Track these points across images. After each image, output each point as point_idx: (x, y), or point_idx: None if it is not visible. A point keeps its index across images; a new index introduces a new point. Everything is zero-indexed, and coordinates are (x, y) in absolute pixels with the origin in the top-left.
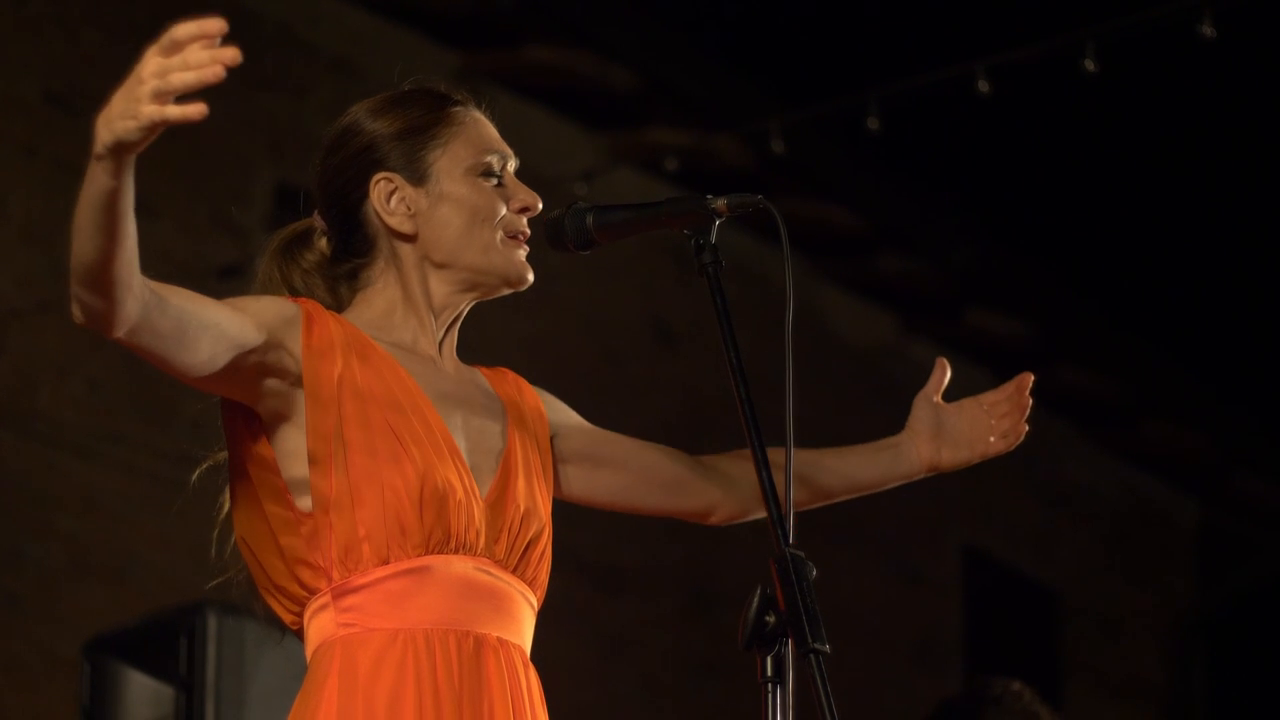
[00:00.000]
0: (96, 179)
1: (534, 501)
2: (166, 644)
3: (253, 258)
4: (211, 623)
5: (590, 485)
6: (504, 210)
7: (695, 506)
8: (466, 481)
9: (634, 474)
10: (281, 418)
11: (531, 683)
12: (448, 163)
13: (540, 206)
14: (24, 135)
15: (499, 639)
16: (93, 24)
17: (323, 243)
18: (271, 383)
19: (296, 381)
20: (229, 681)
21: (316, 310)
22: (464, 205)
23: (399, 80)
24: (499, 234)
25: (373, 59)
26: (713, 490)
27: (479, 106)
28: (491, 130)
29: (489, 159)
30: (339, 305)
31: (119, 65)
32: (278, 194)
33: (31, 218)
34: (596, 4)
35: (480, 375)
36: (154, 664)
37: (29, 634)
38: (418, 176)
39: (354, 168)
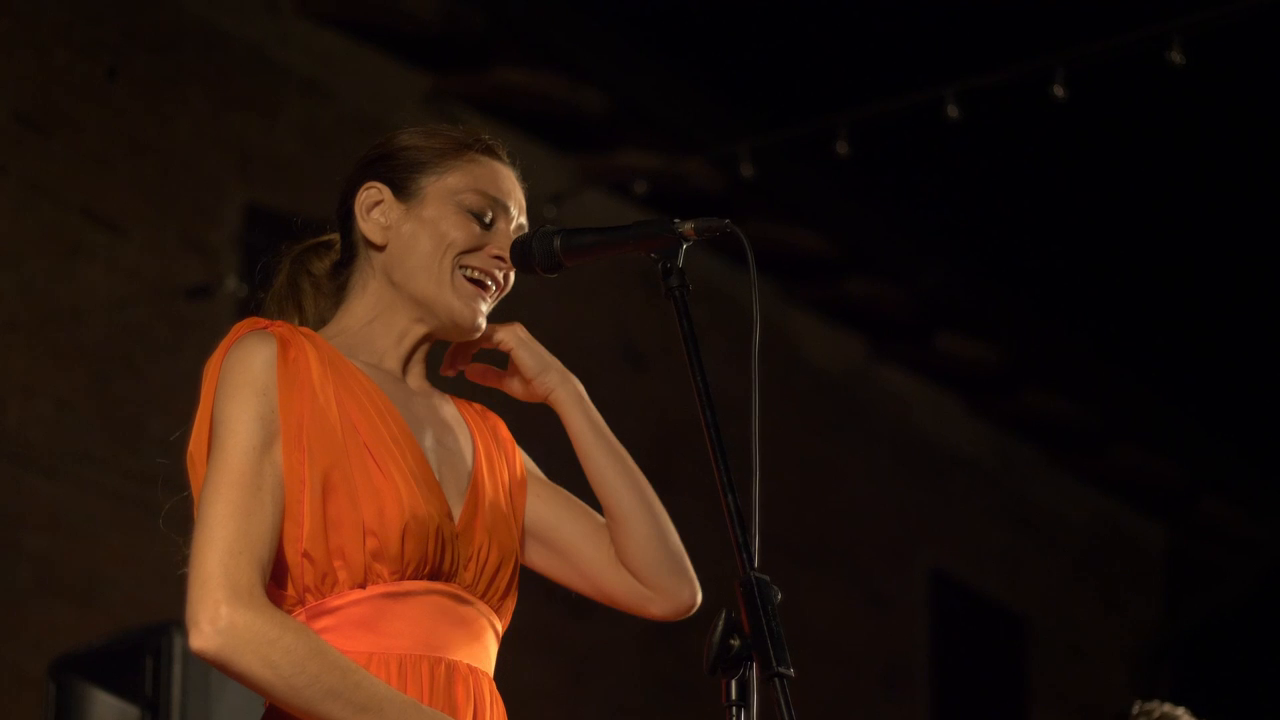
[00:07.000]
0: None
1: (500, 530)
2: (132, 664)
3: (222, 277)
4: (178, 642)
5: (534, 560)
6: (477, 250)
7: (628, 607)
8: (442, 509)
9: (578, 573)
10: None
11: (498, 712)
12: (439, 190)
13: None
14: None
15: (469, 666)
16: (63, 44)
17: (336, 252)
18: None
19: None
20: (195, 701)
21: (291, 335)
22: (435, 230)
23: (369, 102)
24: (460, 272)
25: (343, 80)
26: (638, 598)
27: (510, 164)
28: (504, 182)
29: (483, 202)
30: (325, 317)
31: (89, 85)
32: (247, 214)
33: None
34: (567, 27)
35: (450, 402)
36: (120, 684)
37: None
38: (405, 193)
39: (356, 175)
